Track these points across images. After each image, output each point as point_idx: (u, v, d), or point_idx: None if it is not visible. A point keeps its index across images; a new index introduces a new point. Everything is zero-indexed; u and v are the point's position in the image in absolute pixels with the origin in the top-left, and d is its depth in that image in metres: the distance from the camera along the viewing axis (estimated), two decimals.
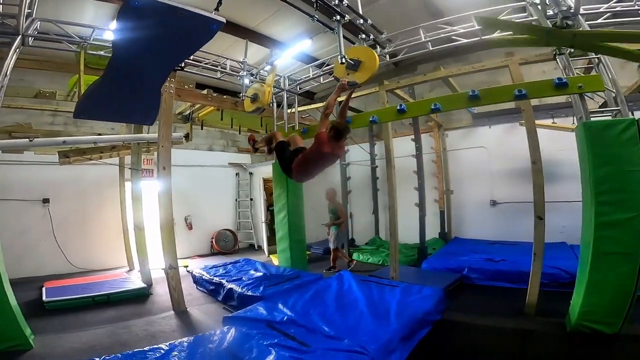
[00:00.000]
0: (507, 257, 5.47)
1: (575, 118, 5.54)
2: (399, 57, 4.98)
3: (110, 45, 2.62)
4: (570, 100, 5.23)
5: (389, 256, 6.89)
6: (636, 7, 3.33)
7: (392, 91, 5.64)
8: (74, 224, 7.21)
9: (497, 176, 7.12)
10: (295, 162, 3.61)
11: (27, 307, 4.53)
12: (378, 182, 8.84)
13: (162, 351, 2.74)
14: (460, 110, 7.52)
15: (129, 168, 6.10)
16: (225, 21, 2.57)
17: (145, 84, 2.71)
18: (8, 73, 3.40)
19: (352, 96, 7.63)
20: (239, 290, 4.54)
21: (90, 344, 3.52)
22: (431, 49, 4.82)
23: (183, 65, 4.73)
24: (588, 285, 3.01)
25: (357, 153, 8.77)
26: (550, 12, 3.44)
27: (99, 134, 6.46)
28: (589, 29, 3.35)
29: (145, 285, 5.51)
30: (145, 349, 2.76)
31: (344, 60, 3.90)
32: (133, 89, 2.71)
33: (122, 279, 5.92)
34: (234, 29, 6.20)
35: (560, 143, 5.52)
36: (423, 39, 4.76)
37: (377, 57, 4.03)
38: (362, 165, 8.83)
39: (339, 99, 4.38)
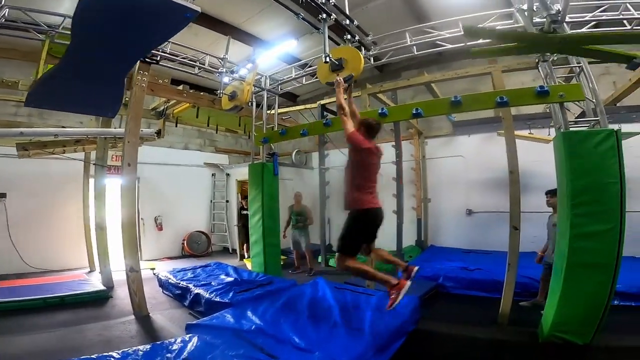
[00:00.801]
0: (482, 265, 5.48)
1: (553, 129, 5.72)
2: (383, 60, 4.93)
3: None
4: (547, 110, 5.40)
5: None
6: (621, 17, 3.39)
7: (375, 95, 5.58)
8: (32, 221, 6.76)
9: (474, 185, 7.19)
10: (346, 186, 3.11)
11: None
12: None
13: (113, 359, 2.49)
14: (440, 118, 7.63)
15: (94, 164, 5.72)
16: (200, 10, 2.40)
17: (107, 73, 2.48)
18: None
19: (334, 100, 7.70)
20: (207, 295, 4.28)
21: (38, 348, 3.23)
22: (416, 53, 4.80)
23: (158, 58, 4.48)
24: (562, 296, 2.99)
25: (336, 157, 8.65)
26: (536, 20, 3.45)
27: (63, 127, 6.04)
28: None
29: (105, 288, 5.17)
30: (93, 356, 2.49)
31: (327, 60, 3.78)
32: (93, 78, 2.47)
33: (80, 281, 5.55)
34: (218, 25, 6.04)
35: (535, 154, 5.58)
36: (409, 42, 4.72)
37: (362, 57, 3.95)
38: (342, 170, 8.69)
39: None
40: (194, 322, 3.38)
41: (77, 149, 6.31)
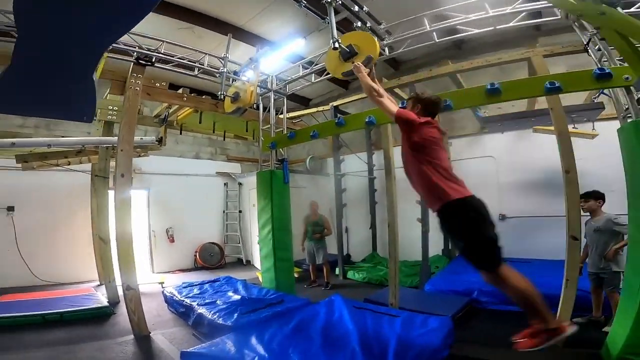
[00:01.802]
0: None
1: (597, 123, 5.07)
2: (399, 50, 4.44)
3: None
4: (594, 100, 4.74)
5: (388, 274, 6.27)
6: None
7: (392, 91, 5.08)
8: (40, 234, 6.61)
9: (507, 188, 6.50)
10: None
11: None
12: (376, 194, 8.21)
13: None
14: (464, 116, 7.03)
15: (96, 175, 5.46)
16: None
17: (69, 69, 2.11)
18: None
19: (349, 100, 7.25)
20: (209, 316, 3.87)
21: None
22: (436, 40, 4.28)
23: (153, 60, 4.16)
24: (638, 315, 2.48)
25: (353, 163, 8.16)
26: None
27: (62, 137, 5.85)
28: None
29: (108, 304, 4.88)
30: None
31: (337, 45, 3.33)
32: (53, 76, 2.11)
33: (84, 296, 5.30)
34: (222, 26, 5.78)
35: (578, 152, 4.93)
36: (428, 28, 4.21)
37: (376, 41, 3.46)
38: (359, 176, 8.21)
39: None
40: (190, 349, 2.94)
41: (83, 160, 6.13)
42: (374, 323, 3.44)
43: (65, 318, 4.37)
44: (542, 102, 5.23)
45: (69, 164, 5.79)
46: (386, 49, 4.47)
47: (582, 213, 3.55)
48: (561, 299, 3.34)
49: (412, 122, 2.36)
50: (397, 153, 4.69)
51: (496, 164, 6.65)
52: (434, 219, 6.29)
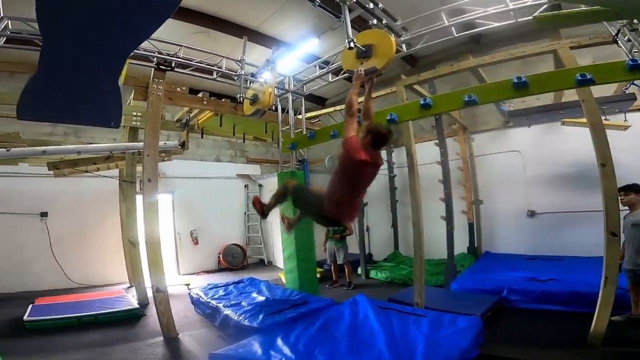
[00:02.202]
0: (554, 274, 4.67)
1: (629, 114, 4.81)
2: (417, 46, 4.35)
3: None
4: (625, 91, 4.49)
5: (411, 273, 6.17)
6: None
7: (411, 87, 4.98)
8: (73, 238, 6.88)
9: (535, 183, 6.26)
10: (325, 194, 2.77)
11: (8, 326, 4.34)
12: (397, 192, 8.09)
13: None
14: (487, 111, 6.83)
15: (124, 181, 5.63)
16: None
17: (94, 74, 2.17)
18: None
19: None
20: (235, 318, 3.91)
21: None
22: (455, 35, 4.17)
23: (173, 65, 4.24)
24: None
25: None
26: None
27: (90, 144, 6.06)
28: None
29: (138, 306, 5.02)
30: None
31: (352, 45, 3.28)
32: (80, 82, 2.17)
33: (116, 298, 5.47)
34: (236, 29, 5.83)
35: (611, 143, 4.71)
36: (446, 23, 4.11)
37: (392, 40, 3.39)
38: (379, 174, 8.07)
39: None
40: (218, 351, 2.98)
41: (111, 166, 6.34)
42: (400, 323, 3.39)
43: (99, 320, 4.52)
44: (568, 95, 5.03)
45: (98, 170, 6.00)
46: (403, 45, 4.38)
47: (620, 207, 3.36)
48: (600, 298, 3.18)
49: (353, 152, 2.59)
50: (419, 150, 4.64)
51: (522, 158, 6.42)
52: (458, 217, 6.23)
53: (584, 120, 4.53)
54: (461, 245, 6.59)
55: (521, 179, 6.41)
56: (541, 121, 5.45)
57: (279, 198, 3.27)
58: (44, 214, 6.65)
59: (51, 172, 5.79)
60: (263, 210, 3.43)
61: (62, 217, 6.79)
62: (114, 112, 2.43)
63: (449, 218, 5.42)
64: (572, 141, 5.52)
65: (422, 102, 3.54)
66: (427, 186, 4.62)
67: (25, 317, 4.33)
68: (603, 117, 4.92)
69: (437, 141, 6.17)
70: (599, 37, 3.61)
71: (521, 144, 6.45)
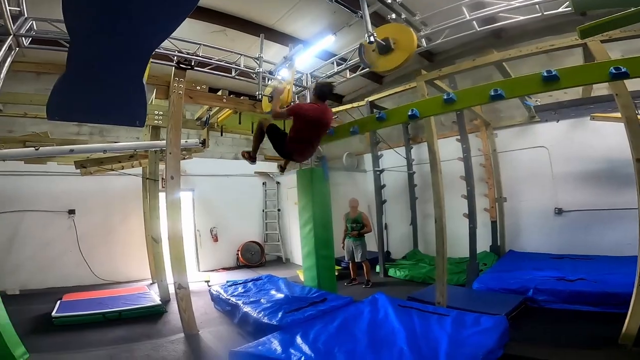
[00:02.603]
0: (584, 274, 4.47)
1: None
2: (438, 40, 4.25)
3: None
4: None
5: (431, 272, 6.08)
6: None
7: (431, 83, 4.86)
8: (99, 235, 7.09)
9: (562, 180, 5.99)
10: (287, 138, 3.65)
11: (37, 322, 4.44)
12: (416, 189, 7.96)
13: None
14: (510, 106, 6.62)
15: (147, 178, 5.76)
16: None
17: (120, 74, 2.21)
18: (2, 75, 3.14)
19: (385, 94, 7.07)
20: (255, 315, 3.92)
21: None
22: (478, 29, 4.04)
23: (193, 63, 4.29)
24: None
25: (390, 158, 7.95)
26: None
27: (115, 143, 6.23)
28: None
29: (160, 303, 5.12)
30: None
31: (372, 39, 3.22)
32: (106, 81, 2.22)
33: (139, 294, 5.60)
34: (252, 27, 5.87)
35: None
36: (467, 17, 3.99)
37: (413, 33, 3.32)
38: (398, 171, 8.00)
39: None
40: (238, 349, 2.99)
41: (134, 165, 6.49)
42: (422, 322, 3.32)
43: (123, 316, 4.62)
44: (597, 89, 4.81)
45: (122, 168, 6.15)
46: (423, 40, 4.28)
47: None
48: (633, 299, 3.03)
49: (301, 111, 3.59)
50: (441, 145, 4.53)
51: (549, 154, 6.17)
52: (481, 215, 6.06)
53: (616, 114, 4.35)
54: (483, 244, 6.41)
55: (548, 176, 6.15)
56: (570, 116, 5.22)
57: (258, 137, 4.05)
58: (71, 212, 6.88)
59: (78, 170, 5.98)
60: (250, 156, 4.20)
61: (89, 214, 7.02)
62: (139, 111, 2.47)
63: (471, 216, 5.28)
64: (602, 136, 5.29)
65: (445, 97, 3.43)
66: (447, 183, 4.49)
67: (53, 314, 4.46)
68: (637, 112, 4.71)
69: (458, 137, 6.02)
70: (631, 30, 3.46)
71: (548, 139, 6.19)
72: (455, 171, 6.06)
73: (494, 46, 5.51)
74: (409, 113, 3.64)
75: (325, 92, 3.74)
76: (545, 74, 2.79)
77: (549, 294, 4.24)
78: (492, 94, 3.05)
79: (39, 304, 5.20)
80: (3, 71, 3.17)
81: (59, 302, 5.02)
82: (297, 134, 3.63)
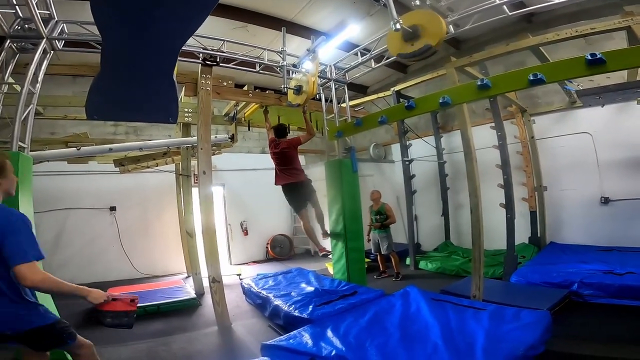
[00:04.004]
0: (634, 268, 4.14)
1: None
2: (466, 27, 4.01)
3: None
4: None
5: (464, 265, 5.88)
6: None
7: (462, 69, 4.65)
8: (137, 231, 7.41)
9: (609, 168, 5.56)
10: None
11: (84, 316, 4.57)
12: (447, 179, 7.70)
13: None
14: (549, 91, 6.24)
15: (180, 174, 5.95)
16: None
17: (151, 71, 2.26)
18: (39, 79, 3.30)
19: (412, 83, 6.86)
20: (285, 308, 3.94)
21: None
22: (509, 13, 3.79)
23: (218, 60, 4.33)
24: None
25: (419, 147, 7.72)
26: None
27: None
28: None
29: (195, 296, 5.25)
30: None
31: (398, 26, 3.10)
32: (139, 79, 2.28)
33: (175, 288, 5.75)
34: (272, 22, 5.88)
35: None
36: (497, 1, 3.75)
37: (442, 20, 3.16)
38: (427, 161, 7.76)
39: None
40: (270, 342, 3.02)
41: (168, 162, 6.71)
42: (457, 317, 3.21)
43: (162, 310, 4.76)
44: None
45: (157, 165, 6.37)
46: (450, 26, 4.06)
47: None
48: None
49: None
50: (474, 133, 4.33)
51: (593, 140, 5.74)
52: (519, 205, 5.77)
53: None
54: (521, 236, 6.10)
55: (592, 163, 5.73)
56: (616, 100, 4.84)
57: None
58: (112, 208, 7.24)
59: (117, 168, 6.27)
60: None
61: (128, 211, 7.35)
62: (171, 107, 2.54)
63: (508, 205, 5.02)
64: None
65: (479, 83, 3.27)
66: (482, 172, 4.29)
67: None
68: None
69: (491, 125, 5.74)
70: None
71: (591, 125, 5.75)
72: (489, 160, 5.79)
73: (525, 31, 5.24)
74: (441, 100, 3.50)
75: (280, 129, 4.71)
76: (590, 57, 2.60)
77: (595, 288, 3.97)
78: (532, 78, 2.91)
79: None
80: (41, 74, 3.32)
81: None
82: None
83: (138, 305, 2.12)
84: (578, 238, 5.85)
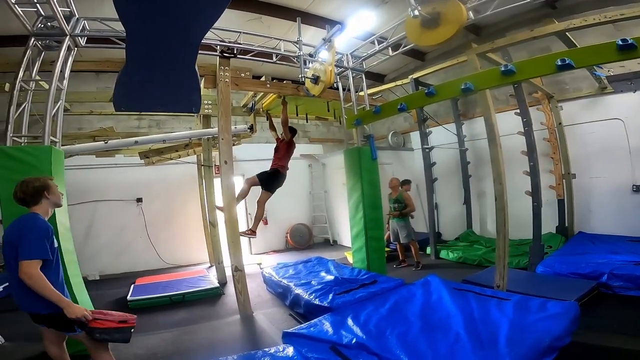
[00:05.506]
0: None
1: None
2: (488, 12, 3.84)
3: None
4: None
5: (487, 254, 5.78)
6: None
7: (484, 56, 4.49)
8: (162, 221, 7.62)
9: None
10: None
11: (115, 306, 4.76)
12: (469, 167, 7.52)
13: None
14: (577, 77, 5.97)
15: (202, 165, 6.07)
16: None
17: (173, 63, 2.31)
18: (66, 75, 3.39)
19: (430, 71, 6.69)
20: (306, 297, 3.98)
21: (153, 349, 3.36)
22: None
23: (236, 52, 4.35)
24: None
25: (439, 135, 7.55)
26: None
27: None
28: None
29: (218, 285, 5.38)
30: None
31: (417, 12, 3.01)
32: (162, 71, 2.34)
33: (199, 277, 5.92)
34: (286, 12, 5.83)
35: None
36: None
37: (462, 6, 3.05)
38: (448, 148, 7.59)
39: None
40: (291, 329, 3.08)
41: (190, 153, 6.86)
42: (480, 306, 3.16)
43: (187, 299, 4.91)
44: None
45: (179, 157, 6.52)
46: (470, 12, 3.90)
47: None
48: None
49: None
50: (498, 120, 4.19)
51: (625, 127, 5.44)
52: (545, 193, 5.59)
53: None
54: (548, 225, 5.91)
55: (624, 150, 5.45)
56: None
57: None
58: (139, 200, 7.46)
59: (142, 161, 6.45)
60: None
61: (153, 202, 7.56)
62: (194, 98, 2.59)
63: (535, 193, 4.87)
64: None
65: (502, 69, 3.15)
66: (506, 159, 4.16)
67: (128, 297, 4.82)
68: None
69: (516, 111, 5.54)
70: None
71: (623, 111, 5.45)
72: (514, 146, 5.62)
73: (549, 17, 5.00)
74: (463, 87, 3.40)
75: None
76: (620, 42, 2.47)
77: (625, 280, 3.81)
78: (560, 63, 2.81)
79: (117, 288, 5.70)
80: (67, 70, 3.41)
81: (132, 286, 5.45)
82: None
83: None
84: (608, 228, 5.62)
